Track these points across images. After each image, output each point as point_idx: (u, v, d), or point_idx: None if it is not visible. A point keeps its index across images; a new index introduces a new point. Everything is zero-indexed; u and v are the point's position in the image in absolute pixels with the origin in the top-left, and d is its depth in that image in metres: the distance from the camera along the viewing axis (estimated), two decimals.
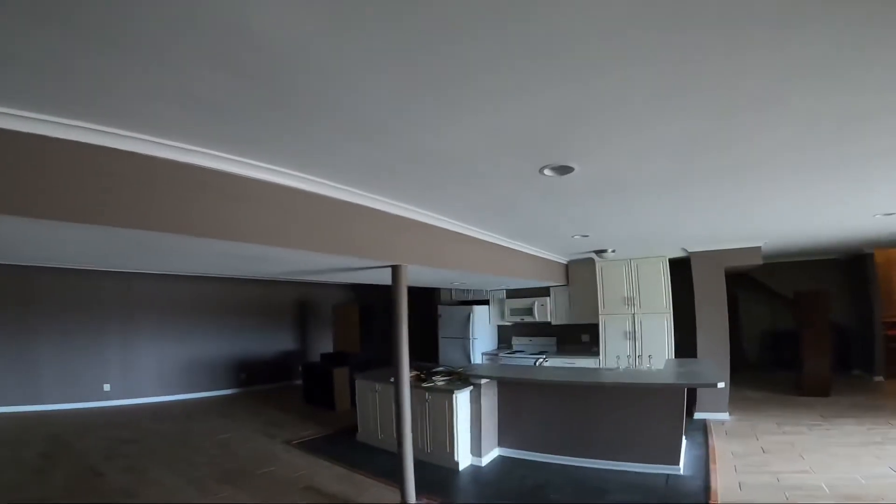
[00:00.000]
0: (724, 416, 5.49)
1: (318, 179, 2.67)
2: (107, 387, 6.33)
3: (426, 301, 8.54)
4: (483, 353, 7.32)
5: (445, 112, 1.77)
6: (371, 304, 8.98)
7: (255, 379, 7.58)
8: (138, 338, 6.62)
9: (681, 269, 5.92)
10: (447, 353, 7.58)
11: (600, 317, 6.30)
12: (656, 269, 5.97)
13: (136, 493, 3.59)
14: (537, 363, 6.09)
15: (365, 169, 2.48)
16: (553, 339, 7.17)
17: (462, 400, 4.23)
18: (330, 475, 4.02)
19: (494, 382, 4.48)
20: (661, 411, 3.85)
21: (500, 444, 4.53)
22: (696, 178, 2.72)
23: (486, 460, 4.28)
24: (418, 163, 2.37)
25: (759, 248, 5.40)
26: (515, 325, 7.55)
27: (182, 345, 7.01)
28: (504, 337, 7.81)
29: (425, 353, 7.99)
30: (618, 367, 4.83)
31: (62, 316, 6.01)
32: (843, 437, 4.37)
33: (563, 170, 2.48)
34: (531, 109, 1.75)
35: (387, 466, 4.06)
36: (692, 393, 5.63)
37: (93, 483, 3.78)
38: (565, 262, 6.78)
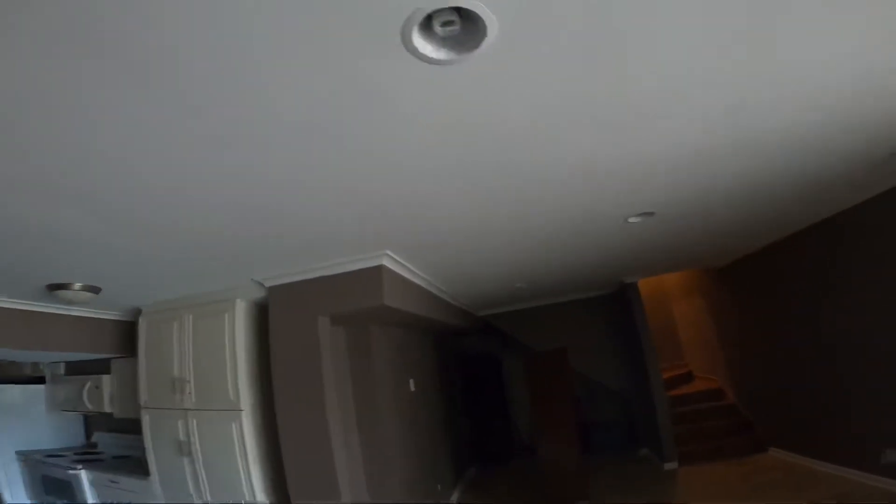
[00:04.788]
0: None
1: None
2: None
3: None
4: (18, 452, 4.09)
5: None
6: None
7: None
8: None
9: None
10: None
11: (142, 413, 3.17)
12: (218, 326, 2.99)
13: None
14: None
15: None
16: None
17: None
18: None
19: None
20: None
21: None
22: None
23: None
24: None
25: (380, 266, 2.74)
26: (103, 413, 4.28)
27: None
28: (91, 429, 4.58)
29: None
30: None
31: None
32: None
33: None
34: None
35: None
36: None
37: None
38: (123, 318, 3.59)
